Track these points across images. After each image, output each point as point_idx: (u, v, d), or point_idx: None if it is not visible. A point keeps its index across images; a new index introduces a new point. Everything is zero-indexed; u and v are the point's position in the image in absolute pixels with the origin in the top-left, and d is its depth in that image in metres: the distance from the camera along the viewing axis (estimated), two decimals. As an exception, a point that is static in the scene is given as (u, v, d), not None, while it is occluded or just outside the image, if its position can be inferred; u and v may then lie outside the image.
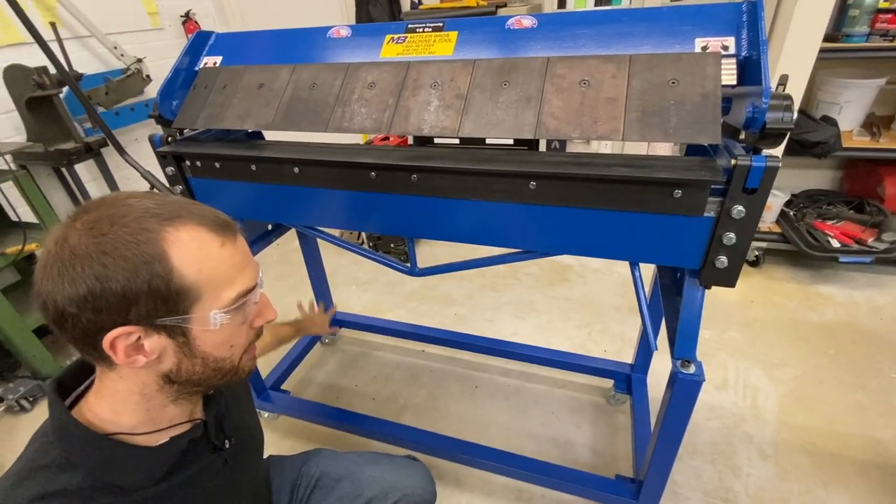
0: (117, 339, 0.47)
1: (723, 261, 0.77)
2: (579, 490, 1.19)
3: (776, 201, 2.11)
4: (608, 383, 1.58)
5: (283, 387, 1.61)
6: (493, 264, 0.99)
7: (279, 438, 1.51)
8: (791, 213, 2.15)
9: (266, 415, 1.55)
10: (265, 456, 0.99)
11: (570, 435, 1.48)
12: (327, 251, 2.25)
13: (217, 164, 1.03)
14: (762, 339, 1.79)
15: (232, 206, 1.10)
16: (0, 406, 1.68)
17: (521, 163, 0.79)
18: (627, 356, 1.57)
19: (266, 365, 1.65)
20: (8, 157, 1.55)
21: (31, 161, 1.84)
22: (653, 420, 1.38)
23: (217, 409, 0.66)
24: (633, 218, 0.78)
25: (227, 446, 0.66)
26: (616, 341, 1.85)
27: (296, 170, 0.95)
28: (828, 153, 1.81)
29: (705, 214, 0.74)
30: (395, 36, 0.96)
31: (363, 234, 2.53)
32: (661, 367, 1.61)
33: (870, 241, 1.92)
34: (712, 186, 0.72)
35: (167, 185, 1.13)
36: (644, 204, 0.76)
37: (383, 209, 0.94)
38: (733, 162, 0.69)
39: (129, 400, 0.53)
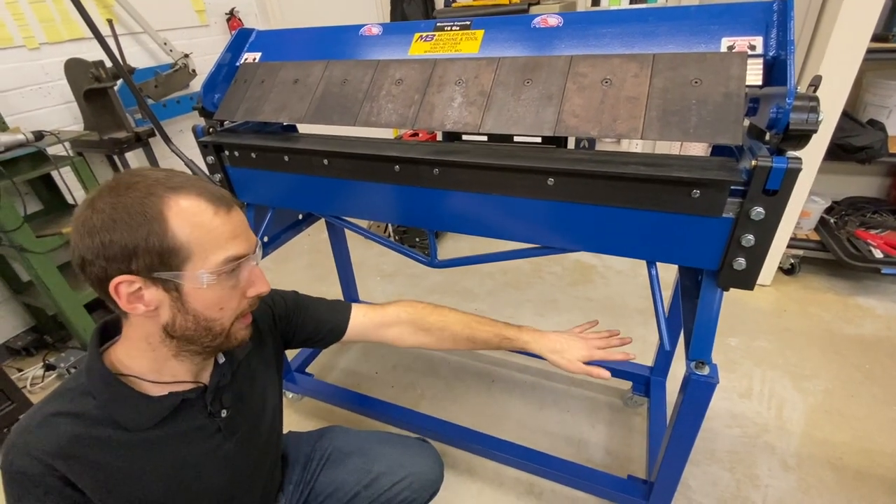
0: (120, 285, 0.55)
1: (741, 263, 0.76)
2: (590, 487, 1.20)
3: (815, 208, 2.03)
4: (626, 385, 1.57)
5: (308, 370, 1.68)
6: (512, 259, 1.00)
7: (301, 419, 1.58)
8: (831, 221, 2.06)
9: (290, 395, 1.62)
10: (287, 431, 1.05)
11: (584, 434, 1.48)
12: (354, 243, 2.32)
13: (253, 155, 1.09)
14: (793, 350, 1.73)
15: (266, 195, 1.17)
16: (52, 374, 1.83)
17: (540, 159, 0.81)
18: (647, 359, 1.56)
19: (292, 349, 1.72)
20: (67, 144, 1.67)
21: (86, 148, 1.98)
22: (668, 422, 1.36)
23: (221, 379, 0.71)
24: (650, 217, 0.79)
25: (223, 416, 0.71)
26: (637, 344, 1.81)
27: (325, 161, 1.00)
28: (873, 158, 1.73)
29: (724, 215, 0.74)
30: (424, 34, 1.00)
31: (389, 227, 2.59)
32: (681, 371, 1.58)
33: (916, 252, 1.82)
34: (732, 187, 0.72)
35: (207, 173, 1.21)
36: (661, 203, 0.76)
37: (406, 201, 0.98)
38: (753, 163, 0.68)
39: (140, 346, 0.62)
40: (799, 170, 0.67)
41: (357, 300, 1.93)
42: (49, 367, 1.83)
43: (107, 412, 0.60)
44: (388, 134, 2.60)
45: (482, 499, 1.31)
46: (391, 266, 2.42)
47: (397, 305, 0.96)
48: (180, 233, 0.55)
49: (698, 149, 2.18)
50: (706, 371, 0.85)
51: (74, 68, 1.86)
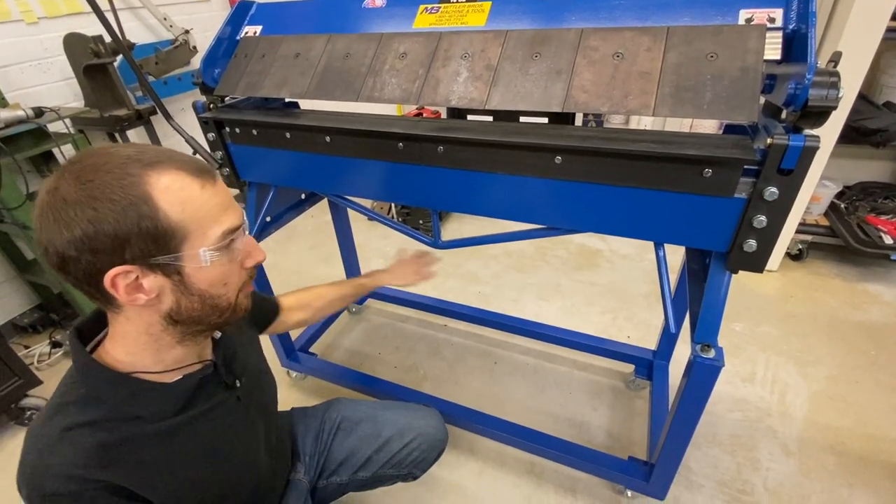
0: (117, 278, 0.51)
1: (751, 245, 0.75)
2: (591, 468, 1.21)
3: (826, 192, 1.99)
4: (629, 368, 1.57)
5: (312, 349, 1.69)
6: (516, 240, 0.99)
7: (305, 397, 1.59)
8: (842, 206, 2.02)
9: (294, 374, 1.63)
10: (290, 408, 1.07)
11: (586, 416, 1.48)
12: (358, 226, 2.30)
13: (254, 131, 1.07)
14: (798, 336, 1.72)
15: (268, 174, 1.15)
16: (58, 351, 1.85)
17: (547, 136, 0.79)
18: (651, 343, 1.55)
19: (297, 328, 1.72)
20: (67, 120, 1.65)
21: (87, 125, 1.96)
22: (671, 405, 1.36)
23: (225, 352, 0.71)
24: (659, 197, 0.77)
25: (239, 385, 0.72)
26: (641, 328, 1.83)
27: (327, 138, 0.98)
28: (888, 142, 1.69)
29: (736, 195, 0.72)
30: (429, 6, 0.96)
31: (393, 209, 2.57)
32: (684, 354, 1.58)
33: (928, 238, 1.79)
34: (745, 167, 0.69)
35: (209, 150, 1.19)
36: (672, 182, 0.74)
37: (410, 180, 0.96)
38: (769, 141, 0.66)
39: (139, 340, 0.58)
40: (816, 148, 0.64)
41: (360, 281, 1.93)
42: (55, 345, 1.85)
43: (124, 412, 0.58)
44: (391, 111, 2.56)
45: (483, 478, 1.32)
46: (393, 249, 2.41)
47: (285, 297, 1.07)
48: (172, 212, 0.51)
49: (709, 128, 2.14)
50: (712, 354, 0.84)
51: (73, 43, 1.82)
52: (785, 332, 1.75)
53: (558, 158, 0.79)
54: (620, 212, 0.81)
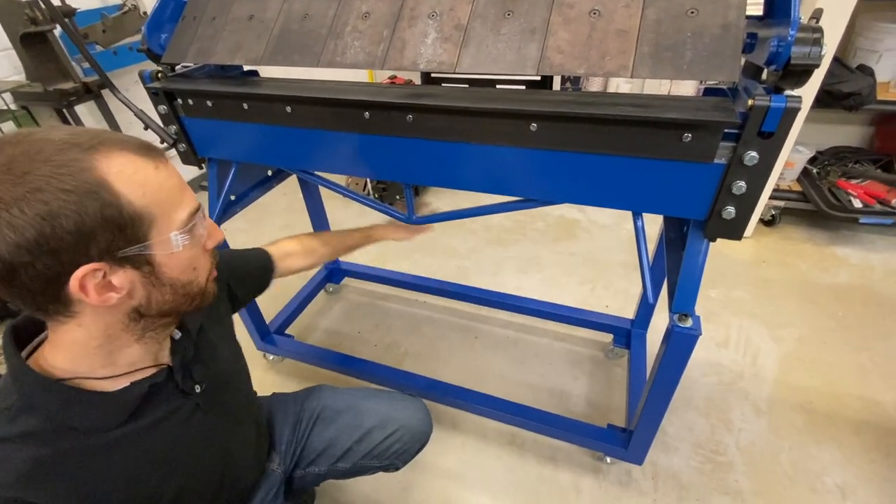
0: (86, 279, 0.46)
1: (730, 212, 0.73)
2: (571, 437, 1.22)
3: (799, 158, 2.01)
4: (607, 338, 1.58)
5: (288, 331, 1.64)
6: (492, 213, 0.95)
7: (283, 380, 1.56)
8: (814, 171, 2.05)
9: (271, 357, 1.59)
10: (270, 393, 1.03)
11: (566, 386, 1.50)
12: (334, 202, 2.23)
13: (208, 103, 0.99)
14: (770, 300, 1.76)
15: (227, 149, 1.08)
16: None
17: (521, 102, 0.74)
18: (629, 312, 1.56)
19: (272, 309, 1.68)
20: (7, 96, 1.52)
21: (31, 101, 1.81)
22: (649, 374, 1.39)
23: (184, 355, 0.65)
24: (636, 164, 0.74)
25: (198, 391, 0.66)
26: (619, 297, 1.84)
27: (287, 109, 0.91)
28: (860, 105, 1.70)
29: (715, 161, 0.70)
30: (393, -39, 0.89)
31: (368, 184, 2.50)
32: (661, 322, 1.60)
33: (894, 201, 1.84)
34: (725, 130, 0.67)
35: (162, 125, 1.10)
36: (649, 148, 0.71)
37: (378, 153, 0.90)
38: (750, 102, 0.63)
39: (90, 345, 0.52)
40: (798, 109, 0.62)
41: (338, 261, 1.88)
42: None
43: (60, 423, 0.52)
44: (362, 78, 2.45)
45: (466, 451, 1.33)
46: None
47: (284, 240, 1.07)
48: (134, 197, 0.47)
49: (688, 89, 2.12)
50: (689, 323, 0.83)
51: (6, 9, 1.66)
52: (757, 296, 1.79)
53: (533, 126, 0.75)
54: (597, 181, 0.78)
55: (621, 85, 2.28)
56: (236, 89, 0.94)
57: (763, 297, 1.78)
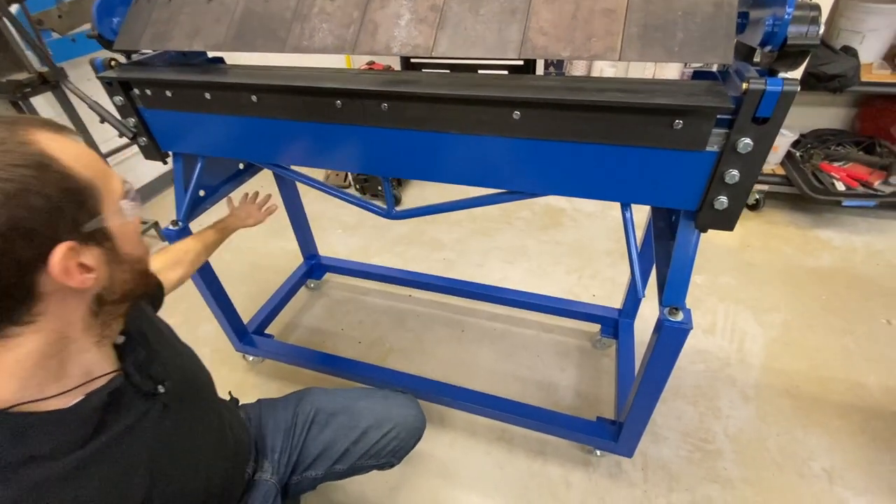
0: (66, 259, 0.43)
1: (722, 202, 0.70)
2: (561, 432, 1.20)
3: (784, 141, 2.00)
4: (595, 328, 1.57)
5: (268, 331, 1.59)
6: (476, 206, 0.91)
7: (264, 381, 1.51)
8: (797, 154, 2.05)
9: (251, 358, 1.54)
10: (257, 399, 0.99)
11: (554, 378, 1.48)
12: (314, 194, 2.16)
13: (168, 93, 0.92)
14: (755, 284, 1.76)
15: (192, 143, 1.01)
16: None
17: (503, 88, 0.70)
18: (616, 301, 1.55)
19: (251, 308, 1.62)
20: (-47, 87, 1.41)
21: (-18, 93, 1.69)
22: (637, 364, 1.37)
23: (136, 357, 0.60)
24: (624, 153, 0.70)
25: (162, 391, 0.61)
26: (606, 286, 1.82)
27: (253, 98, 0.85)
28: (846, 87, 1.68)
29: (707, 149, 0.66)
30: (362, -65, 0.82)
31: (349, 175, 2.43)
32: (649, 311, 1.59)
33: (876, 184, 1.84)
34: (718, 116, 0.63)
35: (119, 118, 1.03)
36: (638, 136, 0.67)
37: (352, 144, 0.85)
38: (744, 86, 0.59)
39: (44, 356, 0.47)
40: (795, 92, 0.58)
41: (317, 256, 1.82)
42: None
43: (17, 454, 0.46)
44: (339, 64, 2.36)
45: (455, 448, 1.30)
46: (353, 218, 2.29)
47: (153, 257, 0.93)
48: (78, 167, 0.45)
49: (673, 72, 2.08)
50: (680, 317, 0.81)
51: (-52, -7, 1.53)
52: (743, 281, 1.78)
53: (516, 113, 0.70)
54: (582, 172, 0.74)
55: (605, 68, 2.24)
56: (196, 78, 0.87)
57: (748, 282, 1.78)
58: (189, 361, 0.74)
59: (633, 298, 1.44)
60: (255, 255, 2.09)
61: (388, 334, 1.66)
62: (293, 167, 1.08)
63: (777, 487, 1.17)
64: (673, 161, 0.69)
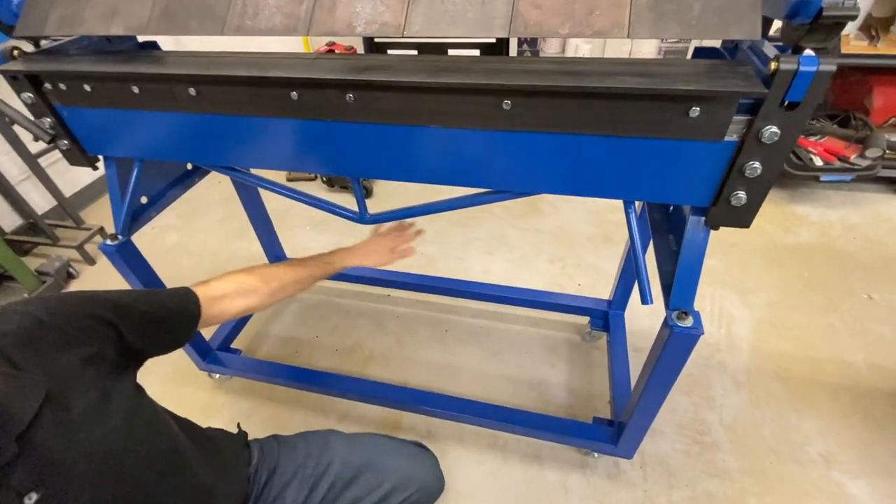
0: None
1: (740, 197, 0.62)
2: (557, 438, 1.14)
3: (761, 117, 1.97)
4: (583, 320, 1.51)
5: (235, 344, 1.46)
6: (461, 207, 0.81)
7: (233, 400, 1.39)
8: (774, 130, 2.02)
9: (217, 377, 1.41)
10: (268, 436, 0.88)
11: (545, 375, 1.42)
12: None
13: (87, 87, 0.77)
14: (739, 265, 1.74)
15: (123, 144, 0.86)
16: None
17: (492, 74, 0.59)
18: (601, 289, 1.49)
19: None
20: None
21: None
22: (631, 357, 1.32)
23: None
24: (629, 146, 0.61)
25: (35, 500, 0.45)
26: (590, 274, 1.76)
27: (191, 91, 0.71)
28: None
29: (726, 139, 0.58)
30: None
31: (316, 168, 2.27)
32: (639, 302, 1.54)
33: (853, 157, 1.84)
34: (740, 101, 0.55)
35: (32, 118, 0.86)
36: (647, 127, 0.58)
37: (314, 142, 0.73)
38: (773, 65, 0.51)
39: None
40: (832, 73, 0.50)
41: (283, 257, 1.68)
42: None
43: None
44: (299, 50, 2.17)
45: (445, 460, 1.21)
46: (322, 213, 2.13)
47: (217, 279, 0.80)
48: None
49: (649, 50, 2.00)
50: (689, 322, 0.74)
51: None
52: (727, 263, 1.76)
53: (507, 103, 0.60)
54: (583, 168, 0.65)
55: (580, 45, 2.14)
56: (118, 69, 0.72)
57: (732, 263, 1.76)
58: (117, 440, 0.53)
59: (623, 289, 1.38)
60: (216, 260, 1.93)
61: (366, 339, 1.55)
62: (246, 169, 0.95)
63: (775, 476, 1.15)
64: (685, 153, 0.60)
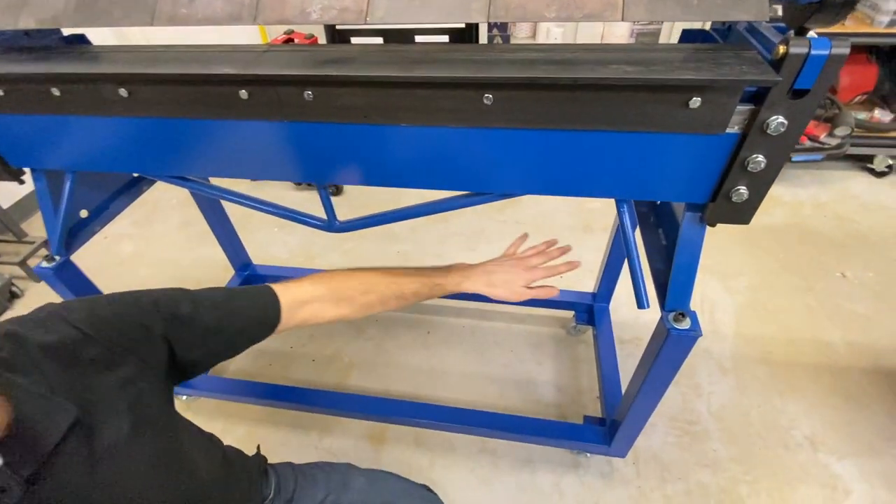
0: None
1: (742, 193, 0.58)
2: (549, 441, 1.10)
3: (733, 98, 1.96)
4: (568, 314, 1.47)
5: (202, 361, 1.36)
6: (438, 212, 0.75)
7: (204, 421, 1.26)
8: (746, 111, 2.02)
9: (184, 398, 1.31)
10: (287, 462, 0.81)
11: (532, 374, 1.38)
12: (238, 187, 1.88)
13: (-2, 90, 0.66)
14: (718, 249, 1.74)
15: (52, 155, 0.75)
16: None
17: (470, 65, 0.52)
18: (584, 280, 1.46)
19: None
20: None
21: None
22: (617, 349, 1.30)
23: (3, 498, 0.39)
24: (622, 141, 0.56)
25: None
26: (573, 265, 1.73)
27: (122, 91, 0.61)
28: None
29: (728, 131, 0.53)
30: None
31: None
32: (624, 294, 1.51)
33: (822, 136, 1.85)
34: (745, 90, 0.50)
35: (-63, 125, 0.74)
36: (641, 120, 0.53)
37: (270, 146, 0.65)
38: (780, 49, 0.46)
39: None
40: (845, 56, 0.45)
41: (250, 264, 1.58)
42: None
43: None
44: (254, 39, 2.02)
45: (434, 470, 1.18)
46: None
47: (309, 279, 0.71)
48: None
49: (622, 35, 1.96)
50: (686, 324, 0.70)
51: None
52: (707, 247, 1.71)
53: (488, 97, 0.53)
54: (571, 166, 0.60)
55: (552, 28, 2.08)
56: (33, 69, 0.62)
57: (711, 248, 1.75)
58: (141, 480, 0.48)
59: (607, 281, 1.35)
60: (178, 269, 1.80)
61: (345, 347, 1.48)
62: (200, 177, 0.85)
63: (765, 462, 1.15)
64: (683, 147, 0.55)
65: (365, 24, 0.52)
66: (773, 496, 1.09)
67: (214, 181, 0.90)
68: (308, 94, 0.57)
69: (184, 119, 0.63)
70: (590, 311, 1.40)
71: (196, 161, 0.70)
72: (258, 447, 0.79)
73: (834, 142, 1.83)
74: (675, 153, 0.56)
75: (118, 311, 0.51)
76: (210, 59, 0.59)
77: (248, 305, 0.62)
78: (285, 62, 0.57)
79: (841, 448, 1.16)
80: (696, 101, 0.50)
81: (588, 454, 1.16)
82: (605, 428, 1.09)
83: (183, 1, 0.55)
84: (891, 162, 1.99)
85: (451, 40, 1.63)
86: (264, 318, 0.62)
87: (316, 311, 0.69)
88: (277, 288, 0.66)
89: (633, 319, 1.49)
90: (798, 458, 1.15)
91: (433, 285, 0.77)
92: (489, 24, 2.03)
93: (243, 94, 0.58)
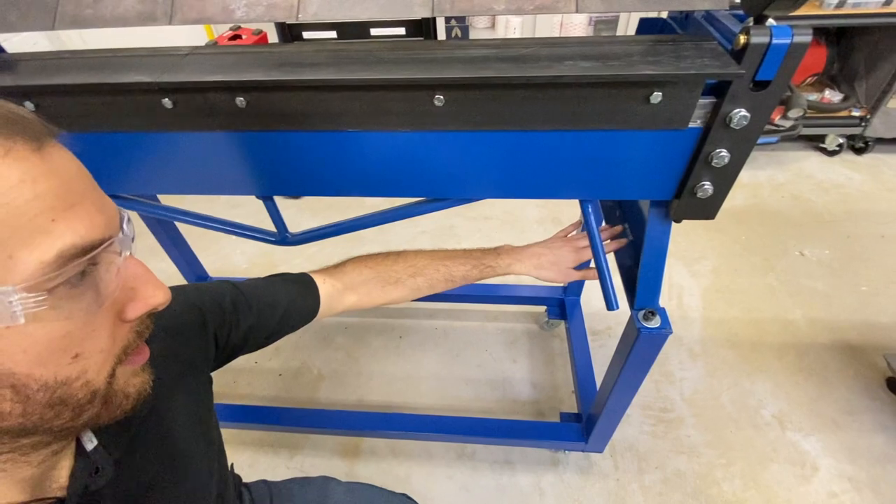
0: None
1: (706, 189, 0.56)
2: (527, 442, 1.09)
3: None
4: (540, 309, 1.46)
5: (159, 384, 1.27)
6: (395, 220, 0.71)
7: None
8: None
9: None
10: (260, 479, 0.76)
11: (507, 372, 1.36)
12: (189, 199, 1.77)
13: None
14: (683, 234, 1.77)
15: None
16: None
17: (418, 64, 0.48)
18: (558, 277, 1.44)
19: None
20: None
21: None
22: (592, 342, 1.30)
23: (92, 479, 0.36)
24: (580, 140, 0.53)
25: None
26: (543, 258, 1.72)
27: (28, 105, 0.54)
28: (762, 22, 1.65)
29: (690, 125, 0.51)
30: None
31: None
32: (594, 283, 1.51)
33: (777, 119, 1.89)
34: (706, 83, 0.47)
35: None
36: (600, 118, 0.50)
37: (206, 159, 0.59)
38: (741, 39, 0.44)
39: None
40: (807, 45, 0.44)
41: (205, 277, 1.49)
42: None
43: None
44: (198, 39, 1.90)
45: (412, 481, 1.14)
46: (249, 219, 1.93)
47: (353, 263, 0.74)
48: None
49: (580, 28, 1.95)
50: (657, 322, 0.69)
51: None
52: (672, 233, 1.77)
53: (439, 98, 0.49)
54: (528, 168, 0.57)
55: (511, 19, 2.05)
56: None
57: (675, 233, 1.73)
58: (196, 475, 0.47)
59: (577, 275, 1.34)
60: (130, 285, 1.69)
61: (313, 358, 1.42)
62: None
63: (737, 444, 1.17)
64: (644, 144, 0.53)
65: (297, 20, 0.47)
66: (746, 477, 1.11)
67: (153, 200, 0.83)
68: (240, 100, 0.51)
69: (103, 133, 0.57)
70: (561, 304, 1.39)
71: (124, 177, 0.63)
72: (231, 466, 0.74)
73: (788, 124, 1.87)
74: (636, 151, 0.54)
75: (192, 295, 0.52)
76: (123, 64, 0.52)
77: (286, 295, 0.63)
78: (211, 66, 0.51)
79: (807, 425, 1.19)
80: (657, 96, 0.47)
81: (566, 451, 1.15)
82: (582, 424, 1.08)
83: (87, 1, 0.48)
84: (841, 141, 2.07)
85: (408, 32, 1.57)
86: (303, 308, 0.65)
87: (362, 296, 0.71)
88: (317, 276, 0.69)
89: (604, 310, 1.49)
90: (768, 437, 1.18)
91: (484, 267, 0.76)
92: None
93: (167, 102, 0.52)
